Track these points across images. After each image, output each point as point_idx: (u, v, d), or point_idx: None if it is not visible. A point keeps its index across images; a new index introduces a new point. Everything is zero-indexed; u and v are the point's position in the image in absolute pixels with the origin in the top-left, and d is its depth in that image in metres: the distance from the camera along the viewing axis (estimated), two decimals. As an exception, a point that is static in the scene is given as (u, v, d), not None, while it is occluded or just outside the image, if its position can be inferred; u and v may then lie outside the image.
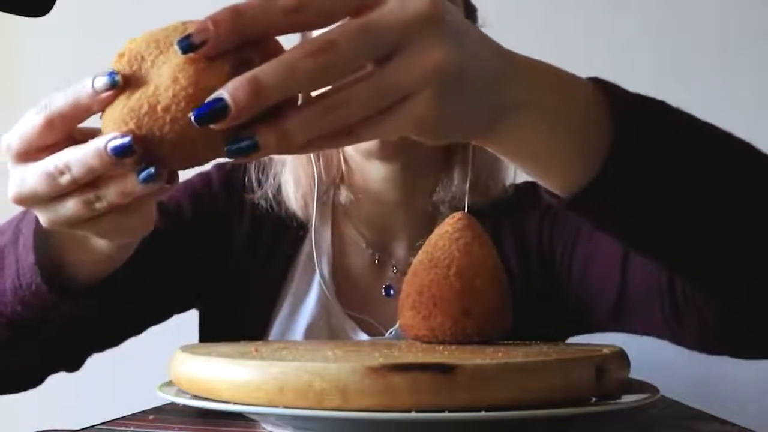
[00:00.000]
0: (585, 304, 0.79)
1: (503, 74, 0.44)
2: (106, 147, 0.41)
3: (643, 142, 0.48)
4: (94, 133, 0.44)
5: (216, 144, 0.40)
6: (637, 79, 1.61)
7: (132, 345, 0.77)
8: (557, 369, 0.45)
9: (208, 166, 0.96)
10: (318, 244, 0.86)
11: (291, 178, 0.87)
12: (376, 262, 0.87)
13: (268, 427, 0.51)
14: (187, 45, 0.38)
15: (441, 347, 0.58)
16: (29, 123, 0.44)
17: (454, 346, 0.58)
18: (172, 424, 0.53)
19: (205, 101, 0.38)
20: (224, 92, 0.37)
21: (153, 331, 0.80)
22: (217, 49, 0.39)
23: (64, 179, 0.43)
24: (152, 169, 0.41)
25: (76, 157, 0.43)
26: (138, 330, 0.79)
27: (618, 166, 0.48)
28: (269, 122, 0.38)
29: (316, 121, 0.38)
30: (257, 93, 0.37)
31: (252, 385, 0.45)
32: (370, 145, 0.81)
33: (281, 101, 0.38)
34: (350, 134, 0.40)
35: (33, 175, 0.45)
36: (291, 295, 0.84)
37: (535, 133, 0.46)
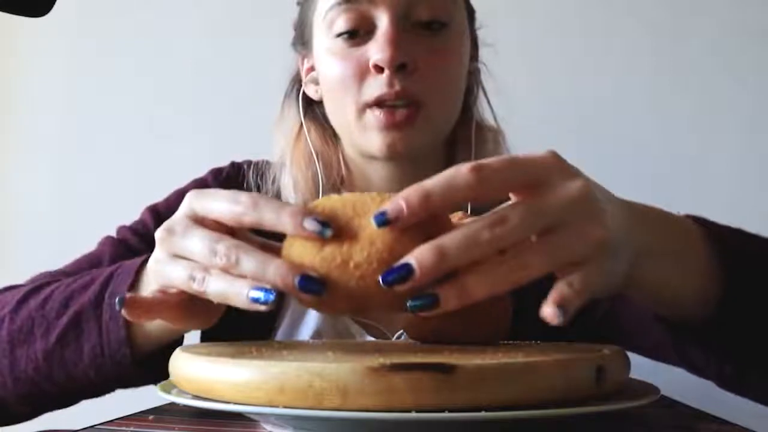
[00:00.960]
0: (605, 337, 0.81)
1: (632, 226, 0.50)
2: (295, 276, 0.46)
3: (749, 283, 0.56)
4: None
5: (389, 301, 0.46)
6: (637, 79, 1.61)
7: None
8: (557, 369, 0.45)
9: (204, 172, 0.95)
10: None
11: (290, 181, 0.88)
12: None
13: (269, 427, 0.51)
14: (383, 220, 0.45)
15: (441, 347, 0.58)
16: (224, 203, 0.50)
17: (454, 346, 0.58)
18: (172, 424, 0.53)
19: (394, 266, 0.44)
20: (411, 259, 0.43)
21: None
22: (407, 225, 0.45)
23: (218, 259, 0.49)
24: (272, 296, 0.47)
25: (255, 256, 0.48)
26: None
27: (730, 306, 0.56)
28: (450, 281, 0.44)
29: (493, 280, 0.44)
30: (441, 260, 0.43)
31: (252, 385, 0.45)
32: (373, 147, 0.82)
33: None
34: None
35: (196, 235, 0.51)
36: (293, 302, 0.84)
37: (658, 273, 0.53)
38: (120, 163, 1.47)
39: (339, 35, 0.82)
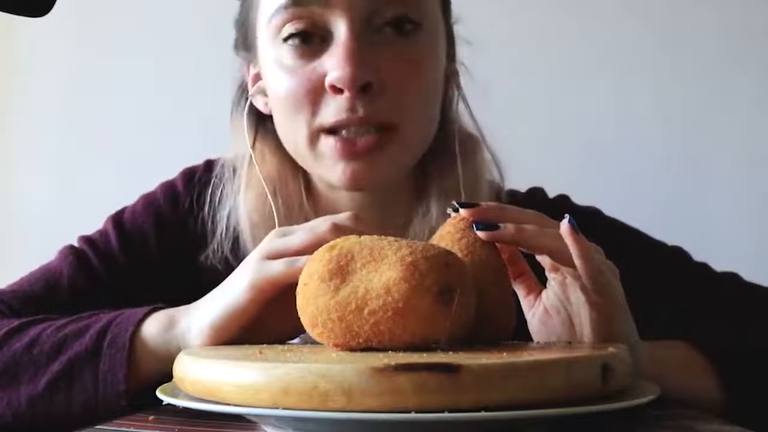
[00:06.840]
0: None
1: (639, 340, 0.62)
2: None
3: (749, 390, 0.70)
4: None
5: (402, 344, 0.50)
6: (638, 79, 1.61)
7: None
8: (563, 368, 0.45)
9: (174, 175, 0.89)
10: None
11: (245, 213, 0.78)
12: None
13: (269, 429, 0.51)
14: (483, 227, 0.57)
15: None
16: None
17: (457, 346, 0.58)
18: (173, 425, 0.53)
19: (483, 222, 0.57)
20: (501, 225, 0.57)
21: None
22: (496, 240, 0.57)
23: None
24: None
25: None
26: None
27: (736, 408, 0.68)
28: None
29: (541, 239, 0.58)
30: (520, 232, 0.56)
31: (257, 387, 0.45)
32: (331, 178, 0.73)
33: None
34: None
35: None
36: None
37: (665, 383, 0.59)
38: (120, 163, 1.46)
39: (286, 39, 0.70)
